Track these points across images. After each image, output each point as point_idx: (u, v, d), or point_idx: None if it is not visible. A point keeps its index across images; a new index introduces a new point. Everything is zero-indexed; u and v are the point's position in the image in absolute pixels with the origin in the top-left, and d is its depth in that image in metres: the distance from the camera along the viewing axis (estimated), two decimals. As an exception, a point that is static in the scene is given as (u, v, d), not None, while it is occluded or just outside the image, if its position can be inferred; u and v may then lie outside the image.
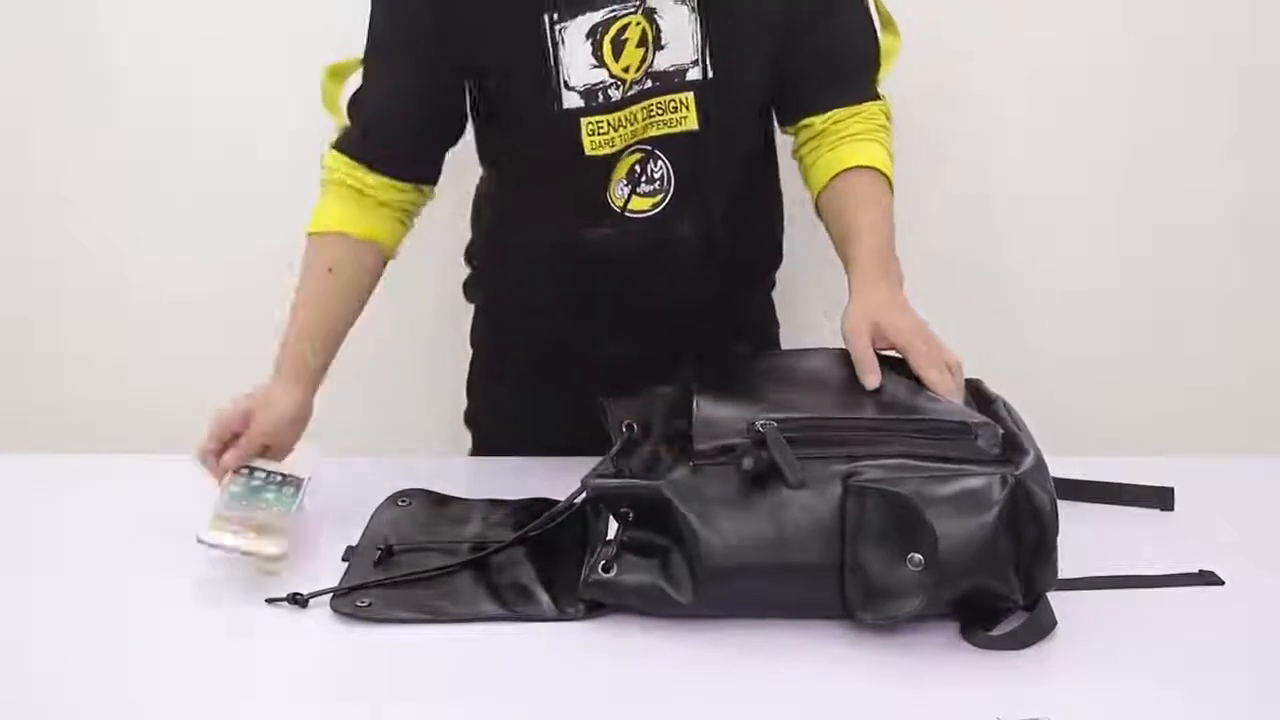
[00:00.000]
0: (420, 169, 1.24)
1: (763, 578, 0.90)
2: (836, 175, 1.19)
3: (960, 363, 1.03)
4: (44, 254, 1.83)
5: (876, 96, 1.24)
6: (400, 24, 1.19)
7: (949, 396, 0.99)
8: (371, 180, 1.20)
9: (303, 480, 1.07)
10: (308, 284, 1.20)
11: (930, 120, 1.69)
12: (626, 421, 1.04)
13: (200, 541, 0.98)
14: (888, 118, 1.24)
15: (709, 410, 0.96)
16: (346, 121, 1.22)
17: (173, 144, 1.75)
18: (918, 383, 1.01)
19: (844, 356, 1.06)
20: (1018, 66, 1.68)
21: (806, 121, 1.23)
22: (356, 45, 1.24)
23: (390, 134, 1.21)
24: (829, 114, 1.21)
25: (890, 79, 1.27)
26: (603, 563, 0.94)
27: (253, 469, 1.07)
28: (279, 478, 1.06)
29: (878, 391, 1.00)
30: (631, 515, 0.94)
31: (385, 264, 1.24)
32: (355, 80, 1.24)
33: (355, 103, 1.22)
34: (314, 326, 1.18)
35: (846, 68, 1.23)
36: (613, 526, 0.97)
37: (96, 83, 1.74)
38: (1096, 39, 1.67)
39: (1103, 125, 1.71)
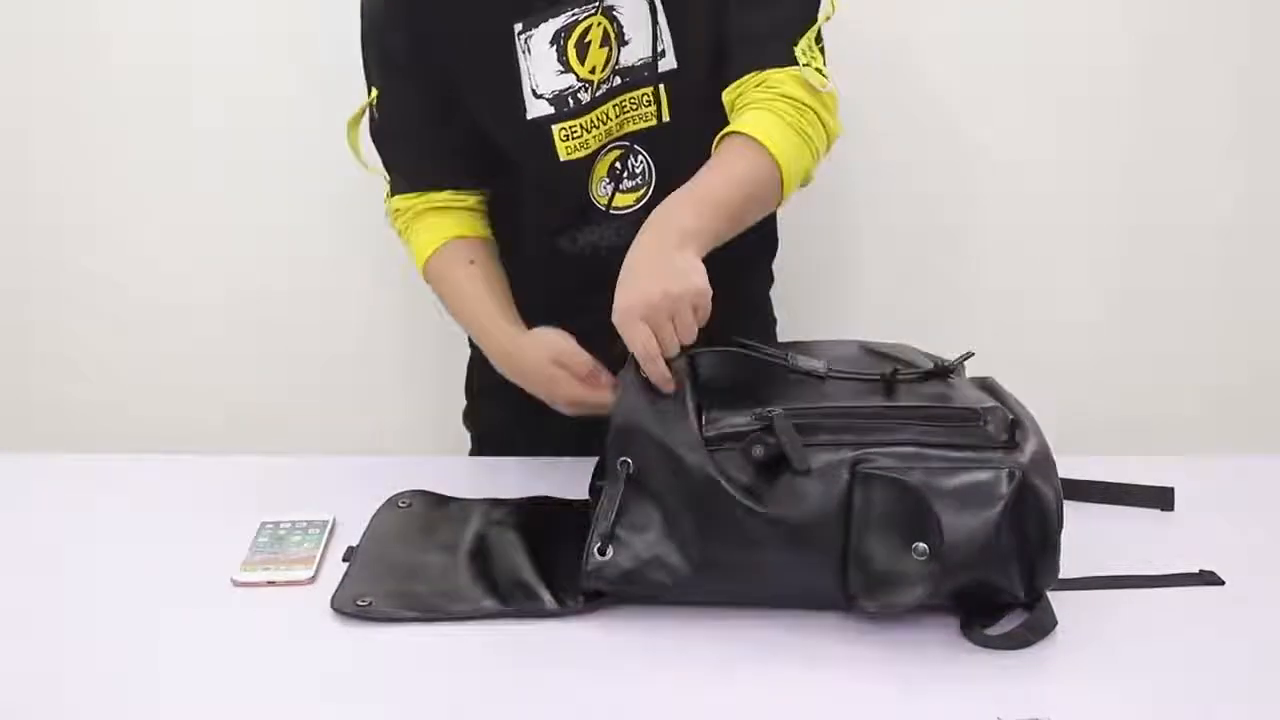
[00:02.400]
0: (459, 174, 1.27)
1: (765, 559, 0.90)
2: (718, 143, 1.12)
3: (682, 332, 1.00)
4: (44, 254, 1.84)
5: (791, 62, 1.13)
6: (383, 48, 1.22)
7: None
8: (440, 195, 1.25)
9: (328, 521, 1.10)
10: (462, 288, 1.24)
11: (932, 121, 1.69)
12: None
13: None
14: (803, 87, 1.12)
15: (717, 406, 0.96)
16: (380, 170, 1.28)
17: (173, 144, 1.76)
18: (926, 373, 1.01)
19: (849, 347, 1.06)
20: (1017, 67, 1.68)
21: (725, 96, 1.17)
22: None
23: (420, 156, 1.25)
24: (738, 84, 1.15)
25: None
26: (598, 544, 0.93)
27: (278, 523, 1.09)
28: (304, 524, 1.09)
29: (885, 379, 0.99)
30: (632, 467, 0.94)
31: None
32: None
33: (377, 135, 1.26)
34: (500, 307, 1.22)
35: (756, 36, 1.14)
36: (610, 517, 0.96)
37: (96, 83, 1.74)
38: (1096, 39, 1.67)
39: (1103, 125, 1.71)
